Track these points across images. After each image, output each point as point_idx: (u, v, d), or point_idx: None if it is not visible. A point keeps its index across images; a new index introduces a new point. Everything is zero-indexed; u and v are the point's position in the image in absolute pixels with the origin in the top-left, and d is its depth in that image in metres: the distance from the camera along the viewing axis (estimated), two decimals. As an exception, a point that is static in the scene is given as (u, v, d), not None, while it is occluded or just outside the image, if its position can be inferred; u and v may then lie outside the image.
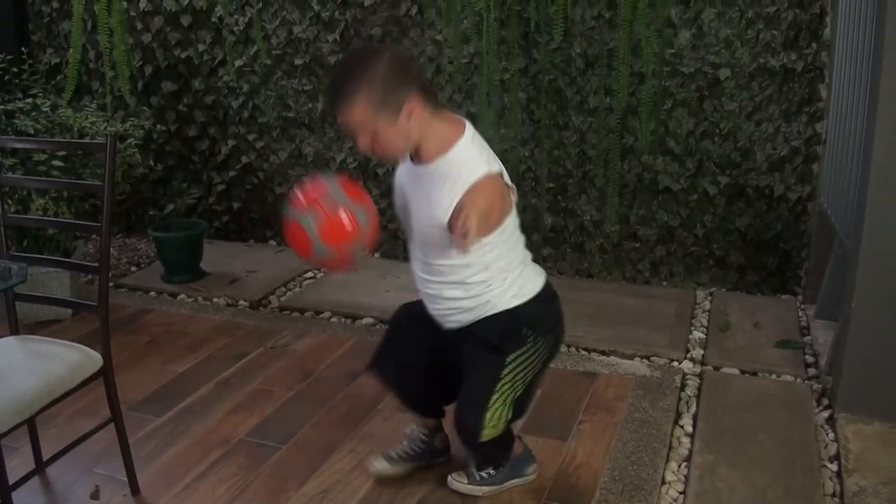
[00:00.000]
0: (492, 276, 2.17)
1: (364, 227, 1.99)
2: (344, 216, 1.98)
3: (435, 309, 2.26)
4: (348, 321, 3.82)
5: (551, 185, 4.17)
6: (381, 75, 1.96)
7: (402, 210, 2.24)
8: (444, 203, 2.03)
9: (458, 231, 1.88)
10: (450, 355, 2.31)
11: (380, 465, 2.51)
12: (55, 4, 4.97)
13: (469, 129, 2.12)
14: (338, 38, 4.39)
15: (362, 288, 4.14)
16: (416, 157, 2.12)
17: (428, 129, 2.07)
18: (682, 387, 3.12)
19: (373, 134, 2.01)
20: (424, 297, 2.29)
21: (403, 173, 2.22)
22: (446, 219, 2.02)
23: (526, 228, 2.38)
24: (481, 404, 2.21)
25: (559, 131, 4.09)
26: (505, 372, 2.20)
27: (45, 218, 3.48)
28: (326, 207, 1.99)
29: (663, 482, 2.51)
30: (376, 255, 4.66)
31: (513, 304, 2.21)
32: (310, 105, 4.58)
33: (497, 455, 2.43)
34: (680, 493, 2.47)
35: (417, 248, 2.22)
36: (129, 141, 4.01)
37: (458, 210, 1.97)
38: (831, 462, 2.60)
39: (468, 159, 2.06)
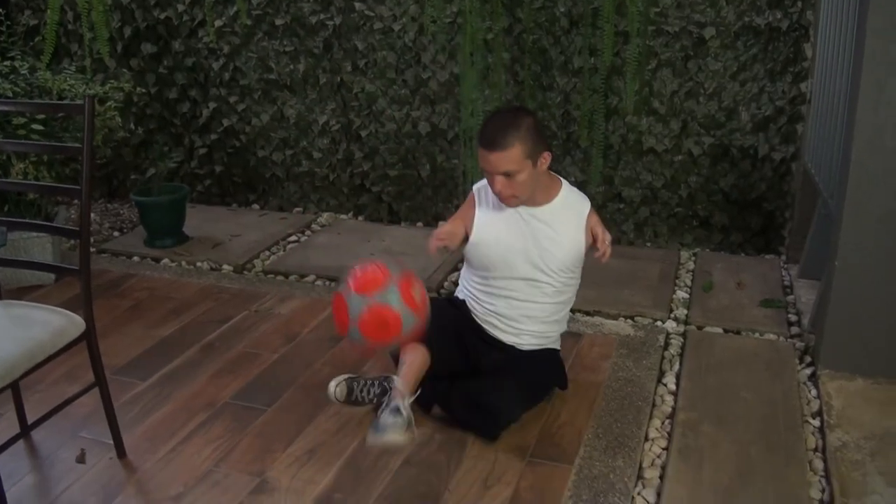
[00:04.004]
0: (568, 307, 2.77)
1: (405, 333, 2.17)
2: (391, 318, 2.11)
3: (510, 326, 2.66)
4: (333, 284, 3.81)
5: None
6: (533, 128, 2.43)
7: (502, 245, 2.58)
8: (575, 229, 2.59)
9: (605, 243, 2.52)
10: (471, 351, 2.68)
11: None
12: (30, -36, 4.87)
13: (564, 180, 2.66)
14: (319, -2, 4.33)
15: (346, 251, 4.13)
16: (527, 202, 2.56)
17: (543, 179, 2.55)
18: (666, 346, 3.14)
19: (513, 176, 2.41)
20: (498, 317, 2.67)
21: (501, 220, 2.59)
22: (584, 239, 2.60)
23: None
24: (522, 404, 2.58)
25: (543, 92, 4.07)
26: (540, 398, 2.69)
27: (25, 181, 3.44)
28: (377, 301, 2.11)
29: (647, 439, 2.54)
30: (360, 217, 4.65)
31: (558, 346, 2.79)
32: (291, 66, 4.52)
33: None
34: (663, 448, 2.49)
35: (523, 271, 2.59)
36: (109, 104, 3.96)
37: (589, 229, 2.59)
38: (814, 418, 2.63)
39: (577, 197, 2.64)
